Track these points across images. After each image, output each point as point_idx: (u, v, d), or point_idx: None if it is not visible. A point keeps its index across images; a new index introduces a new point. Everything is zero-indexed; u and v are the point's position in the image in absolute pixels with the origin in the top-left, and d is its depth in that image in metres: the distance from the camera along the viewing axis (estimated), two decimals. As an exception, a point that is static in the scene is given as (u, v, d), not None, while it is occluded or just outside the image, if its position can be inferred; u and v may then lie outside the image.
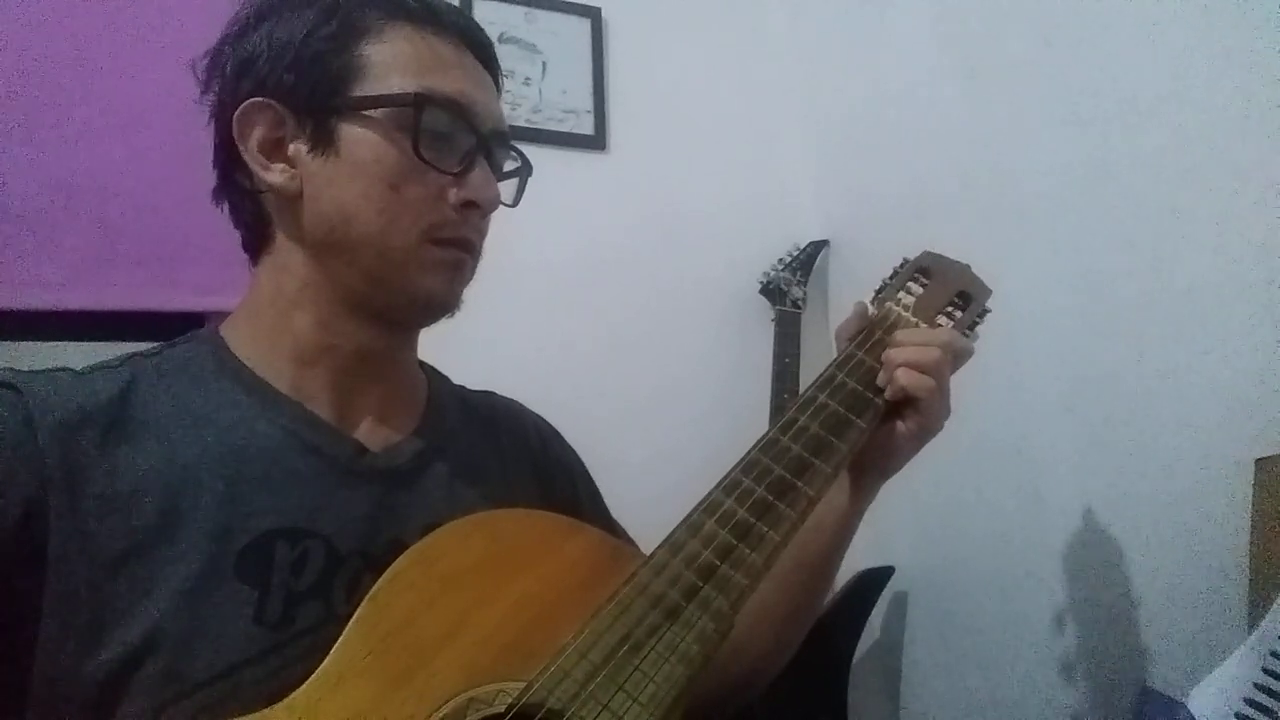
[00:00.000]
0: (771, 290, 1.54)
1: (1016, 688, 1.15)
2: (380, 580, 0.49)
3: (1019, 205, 1.16)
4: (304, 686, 0.45)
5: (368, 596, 0.49)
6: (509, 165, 0.65)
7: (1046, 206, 1.12)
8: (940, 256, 0.73)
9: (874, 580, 1.39)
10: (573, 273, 1.46)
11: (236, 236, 0.61)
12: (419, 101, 0.54)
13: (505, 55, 0.65)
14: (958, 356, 0.65)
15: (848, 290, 1.60)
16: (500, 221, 0.62)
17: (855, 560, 1.40)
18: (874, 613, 1.40)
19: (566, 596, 0.53)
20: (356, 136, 0.55)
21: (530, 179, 0.67)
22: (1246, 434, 0.86)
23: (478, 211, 0.58)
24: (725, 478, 0.57)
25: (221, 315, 0.60)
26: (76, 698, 0.44)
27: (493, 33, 0.64)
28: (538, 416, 0.75)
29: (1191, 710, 0.67)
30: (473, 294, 0.62)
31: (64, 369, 0.53)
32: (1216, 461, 0.89)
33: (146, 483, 0.49)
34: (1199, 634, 0.91)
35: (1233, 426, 0.88)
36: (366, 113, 0.54)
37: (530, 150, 0.68)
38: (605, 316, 1.49)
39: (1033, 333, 1.12)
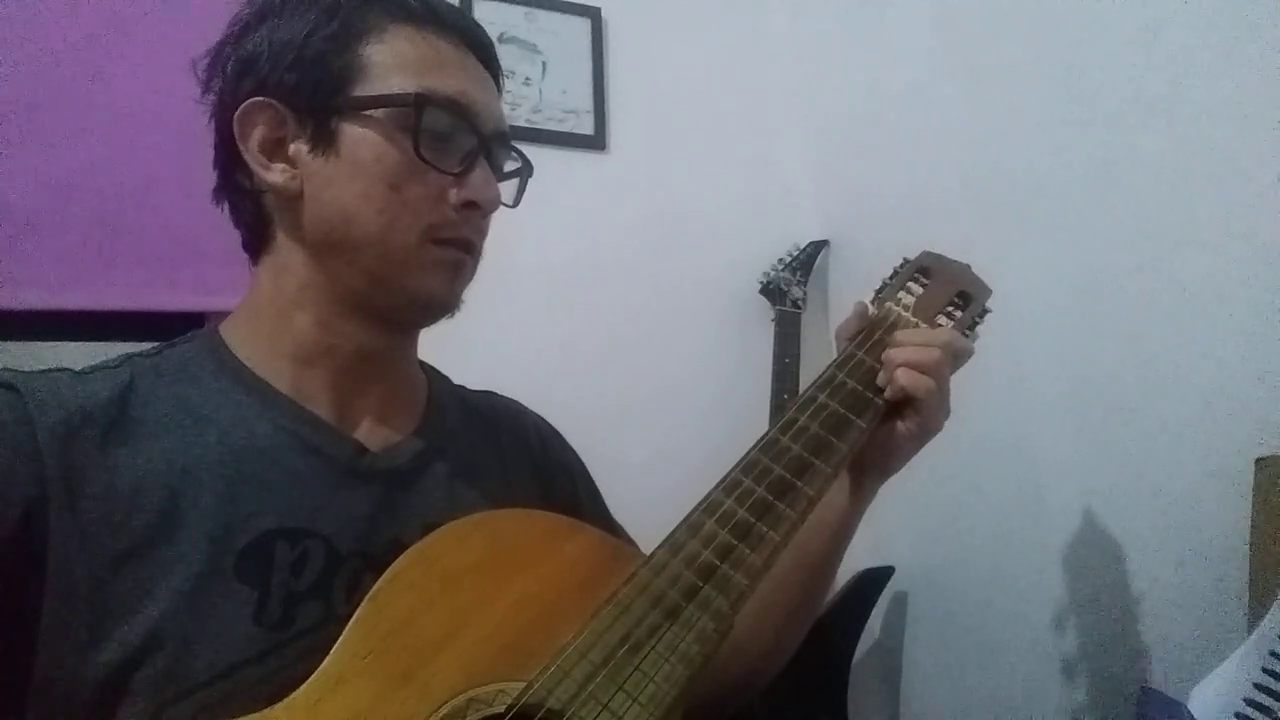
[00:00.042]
0: (771, 290, 1.54)
1: (1016, 688, 1.15)
2: (380, 580, 0.49)
3: (1019, 205, 1.16)
4: (304, 687, 0.45)
5: (368, 596, 0.49)
6: (509, 166, 0.65)
7: (1046, 206, 1.12)
8: (940, 256, 0.73)
9: (874, 580, 1.39)
10: (573, 273, 1.46)
11: (236, 236, 0.61)
12: (420, 102, 0.54)
13: (505, 55, 0.65)
14: (958, 356, 0.65)
15: (848, 290, 1.60)
16: (500, 222, 0.62)
17: (855, 560, 1.40)
18: (874, 613, 1.40)
19: (566, 596, 0.53)
20: (357, 136, 0.55)
21: (530, 179, 0.67)
22: (1246, 434, 0.86)
23: (478, 212, 0.58)
24: (725, 478, 0.57)
25: (221, 315, 0.60)
26: (76, 698, 0.44)
27: (493, 32, 0.64)
28: (538, 417, 0.75)
29: (1191, 710, 0.67)
30: (473, 294, 0.62)
31: (64, 369, 0.53)
32: (1216, 461, 0.89)
33: (146, 483, 0.49)
34: (1199, 634, 0.91)
35: (1233, 426, 0.88)
36: (367, 113, 0.54)
37: (530, 150, 0.68)
38: (605, 316, 1.49)
39: (1033, 333, 1.12)
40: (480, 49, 0.60)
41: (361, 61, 0.55)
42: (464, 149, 0.57)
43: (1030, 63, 1.15)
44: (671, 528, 0.55)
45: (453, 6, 0.60)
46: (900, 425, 0.63)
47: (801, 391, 0.63)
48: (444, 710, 0.45)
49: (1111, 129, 1.02)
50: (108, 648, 0.45)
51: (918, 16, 1.38)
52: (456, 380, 0.72)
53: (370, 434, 0.59)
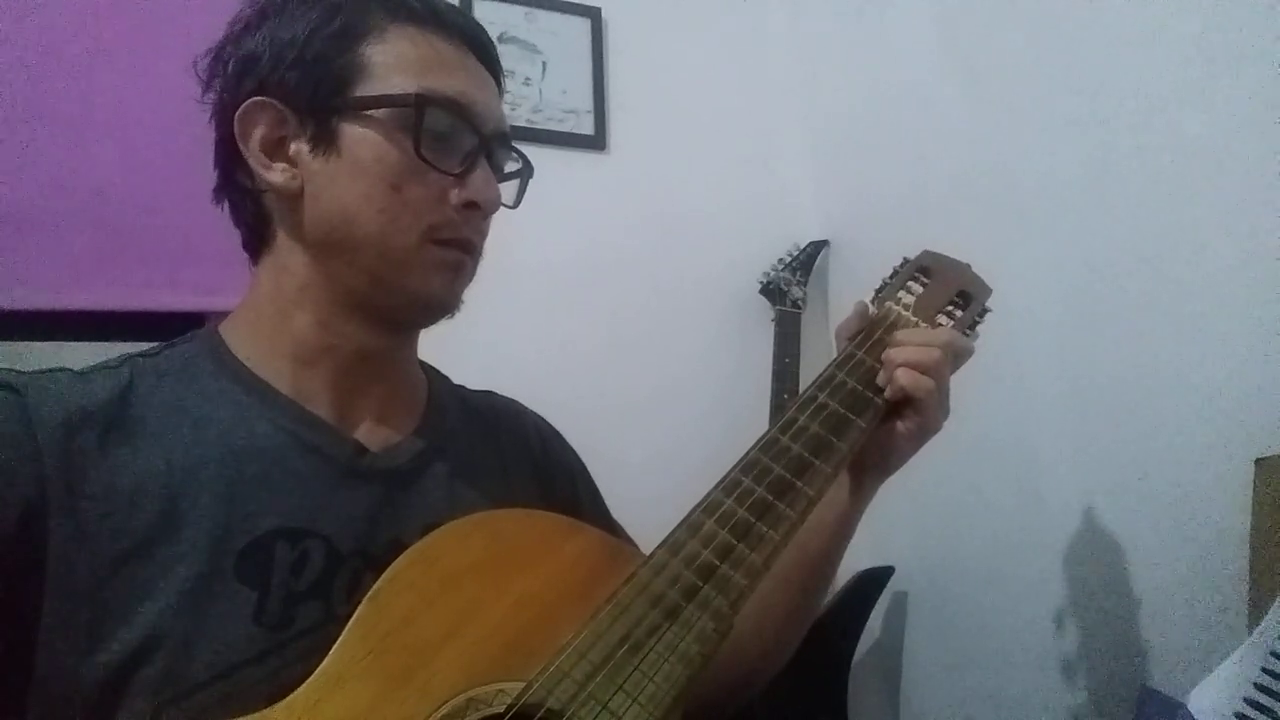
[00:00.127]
0: (771, 290, 1.54)
1: (1016, 688, 1.15)
2: (380, 580, 0.49)
3: (1019, 205, 1.16)
4: (303, 687, 0.45)
5: (367, 596, 0.49)
6: (510, 166, 0.65)
7: (1046, 206, 1.12)
8: (940, 256, 0.73)
9: (874, 580, 1.39)
10: (573, 273, 1.46)
11: (236, 236, 0.61)
12: (420, 102, 0.54)
13: (505, 55, 0.65)
14: (958, 356, 0.65)
15: (848, 290, 1.60)
16: (500, 222, 0.62)
17: (855, 560, 1.40)
18: (874, 613, 1.40)
19: (566, 596, 0.53)
20: (358, 136, 0.55)
21: (530, 179, 0.67)
22: (1246, 434, 0.86)
23: (479, 212, 0.58)
24: (725, 477, 0.57)
25: (221, 315, 0.60)
26: (76, 698, 0.44)
27: (493, 32, 0.64)
28: (538, 416, 0.75)
29: (1191, 710, 0.67)
30: (473, 294, 0.62)
31: (63, 369, 0.52)
32: (1216, 461, 0.89)
33: (146, 483, 0.49)
34: (1199, 634, 0.91)
35: (1233, 426, 0.88)
36: (368, 113, 0.54)
37: (530, 150, 0.68)
38: (605, 316, 1.49)
39: (1033, 333, 1.12)
40: (481, 49, 0.60)
41: (362, 61, 0.55)
42: (465, 149, 0.57)
43: (1030, 63, 1.15)
44: (671, 528, 0.54)
45: (453, 7, 0.60)
46: (900, 425, 0.63)
47: (801, 391, 0.63)
48: (444, 710, 0.45)
49: (1111, 129, 1.02)
50: (107, 648, 0.45)
51: (918, 16, 1.38)
52: (456, 380, 0.72)
53: (370, 434, 0.59)
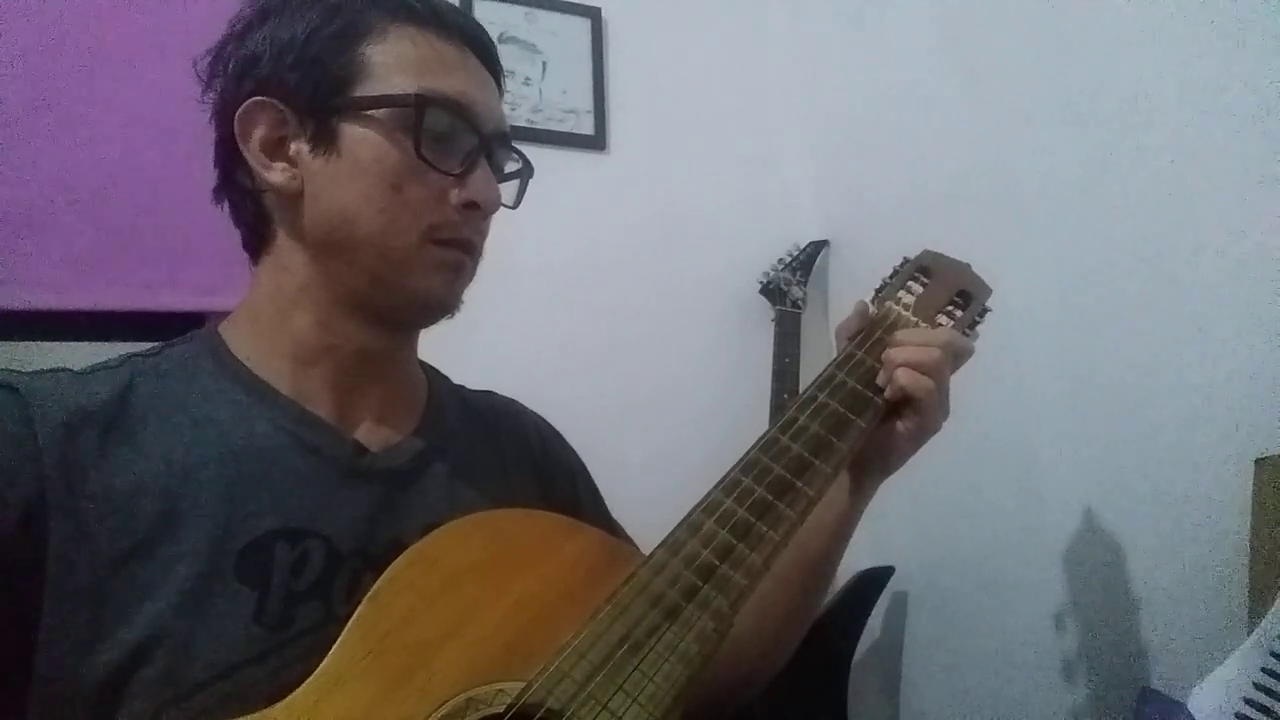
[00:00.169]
0: (771, 290, 1.54)
1: (1016, 688, 1.15)
2: (380, 580, 0.49)
3: (1019, 205, 1.16)
4: (303, 687, 0.45)
5: (367, 596, 0.49)
6: (510, 166, 0.65)
7: (1046, 206, 1.12)
8: (940, 256, 0.73)
9: (874, 580, 1.39)
10: (573, 273, 1.46)
11: (236, 236, 0.61)
12: (420, 102, 0.54)
13: (505, 55, 0.65)
14: (958, 356, 0.65)
15: (848, 290, 1.60)
16: (500, 222, 0.62)
17: (855, 560, 1.40)
18: (874, 613, 1.40)
19: (566, 596, 0.53)
20: (358, 136, 0.55)
21: (530, 179, 0.67)
22: (1246, 434, 0.86)
23: (479, 212, 0.58)
24: (725, 477, 0.57)
25: (221, 315, 0.60)
26: (76, 698, 0.44)
27: (493, 32, 0.64)
28: (538, 416, 0.75)
29: (1191, 710, 0.67)
30: (473, 294, 0.62)
31: (64, 369, 0.53)
32: (1216, 461, 0.89)
33: (146, 483, 0.49)
34: (1199, 634, 0.91)
35: (1233, 426, 0.88)
36: (368, 113, 0.54)
37: (530, 150, 0.68)
38: (605, 316, 1.49)
39: (1033, 333, 1.12)
40: (481, 49, 0.60)
41: (363, 61, 0.55)
42: (465, 149, 0.57)
43: (1030, 63, 1.15)
44: (671, 528, 0.54)
45: (454, 7, 0.60)
46: (900, 425, 0.63)
47: (801, 391, 0.63)
48: (443, 710, 0.45)
49: (1111, 129, 1.02)
50: (107, 648, 0.45)
51: (918, 16, 1.38)
52: (456, 380, 0.72)
53: (370, 434, 0.59)
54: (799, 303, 1.52)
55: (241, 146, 0.55)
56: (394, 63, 0.55)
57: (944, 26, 1.33)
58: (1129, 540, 1.00)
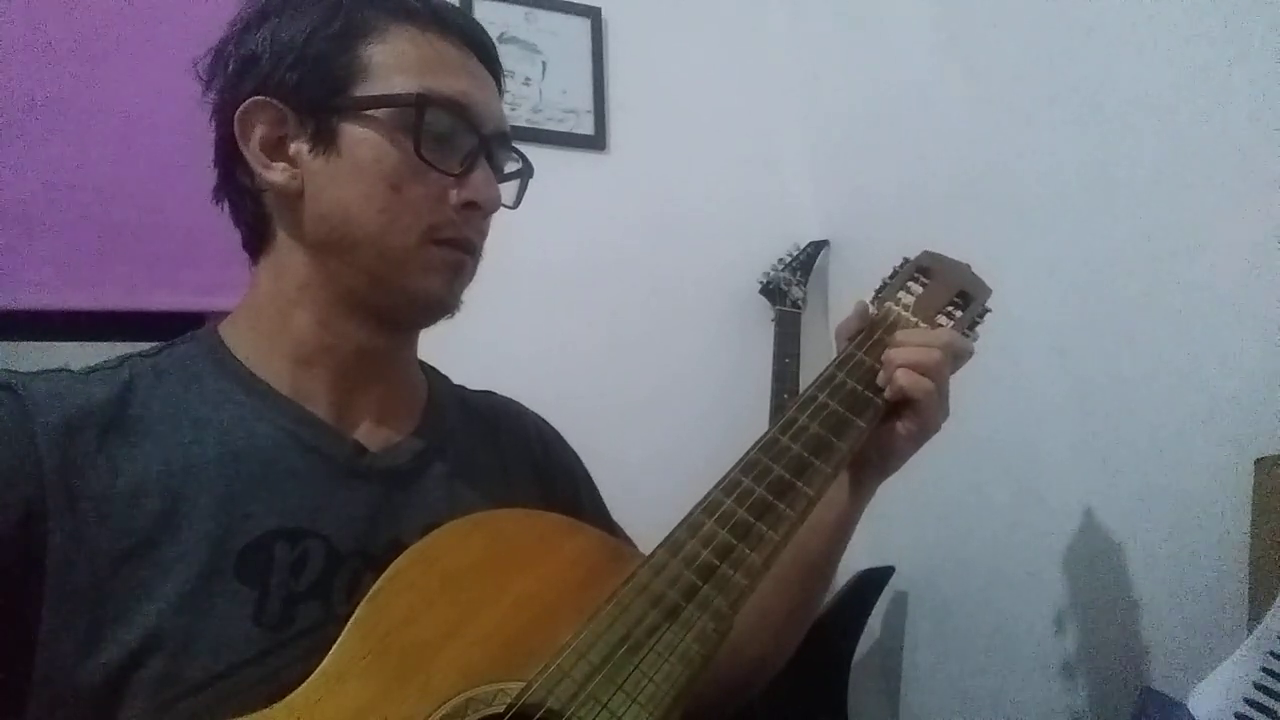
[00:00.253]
0: (771, 290, 1.54)
1: (1016, 688, 1.15)
2: (380, 580, 0.49)
3: (1019, 205, 1.16)
4: (303, 687, 0.45)
5: (367, 596, 0.49)
6: (510, 166, 0.65)
7: (1046, 206, 1.12)
8: (940, 256, 0.73)
9: (874, 580, 1.39)
10: (573, 273, 1.46)
11: (236, 236, 0.61)
12: (421, 102, 0.54)
13: (505, 55, 0.65)
14: (958, 357, 0.65)
15: (848, 290, 1.60)
16: (500, 222, 0.62)
17: (855, 560, 1.40)
18: (874, 613, 1.40)
19: (566, 596, 0.53)
20: (358, 136, 0.55)
21: (530, 180, 0.67)
22: (1246, 434, 0.86)
23: (479, 212, 0.58)
24: (725, 478, 0.57)
25: (221, 315, 0.60)
26: (76, 699, 0.44)
27: (493, 32, 0.64)
28: (538, 417, 0.75)
29: (1191, 710, 0.67)
30: (473, 294, 0.62)
31: (63, 369, 0.53)
32: (1216, 461, 0.89)
33: (145, 483, 0.49)
34: (1199, 634, 0.91)
35: (1233, 426, 0.88)
36: (368, 113, 0.54)
37: (530, 150, 0.68)
38: (605, 316, 1.49)
39: (1033, 333, 1.12)
40: (481, 49, 0.60)
41: (363, 61, 0.55)
42: (465, 149, 0.57)
43: (1030, 63, 1.15)
44: (671, 528, 0.54)
45: (454, 7, 0.60)
46: (899, 425, 0.63)
47: (801, 391, 0.63)
48: (443, 710, 0.45)
49: (1111, 129, 1.02)
50: (107, 648, 0.45)
51: (918, 16, 1.38)
52: (456, 380, 0.72)
53: (370, 434, 0.59)
54: (799, 303, 1.52)
55: (241, 146, 0.55)
56: (394, 63, 0.55)
57: (944, 26, 1.33)
58: (1129, 540, 1.00)
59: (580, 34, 1.54)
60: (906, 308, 0.69)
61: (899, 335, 0.65)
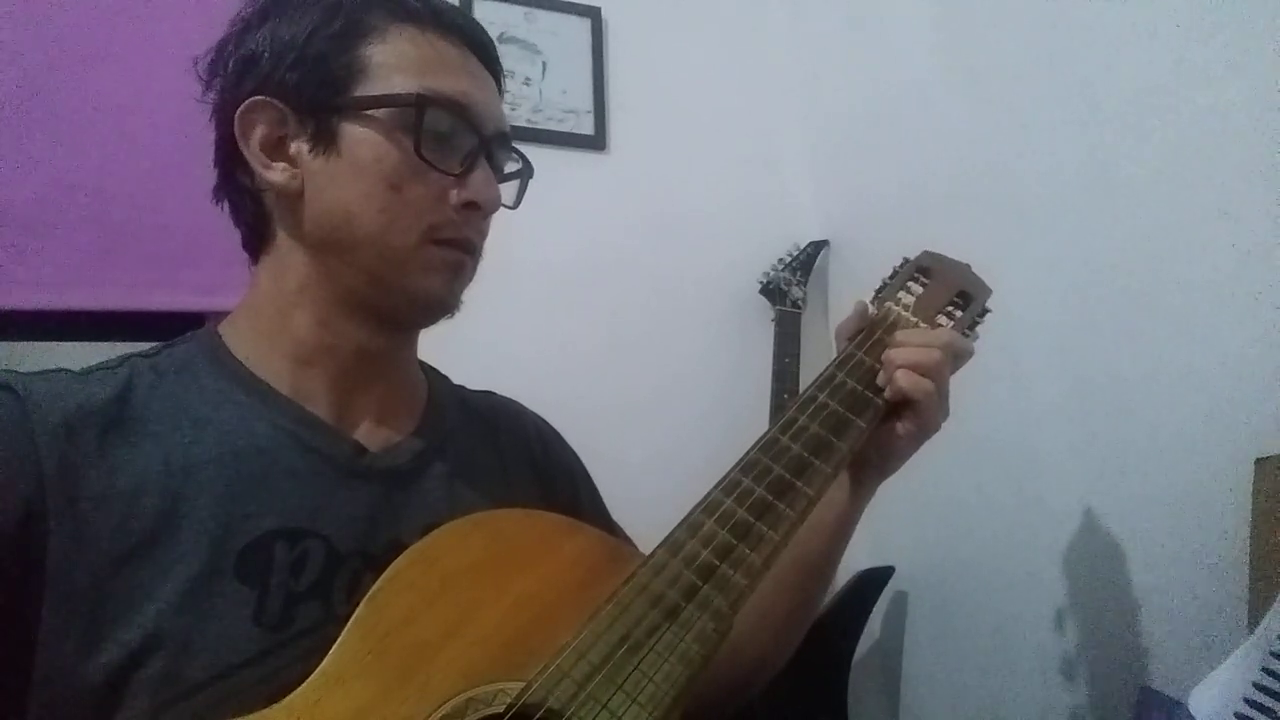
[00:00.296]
0: (771, 290, 1.54)
1: (1016, 688, 1.15)
2: (380, 580, 0.49)
3: (1019, 205, 1.16)
4: (303, 687, 0.45)
5: (367, 596, 0.49)
6: (510, 167, 0.65)
7: (1046, 206, 1.12)
8: (940, 256, 0.73)
9: (874, 580, 1.39)
10: (573, 273, 1.46)
11: (236, 236, 0.61)
12: (421, 102, 0.54)
13: (505, 55, 0.65)
14: (958, 357, 0.65)
15: (848, 290, 1.60)
16: (500, 222, 0.62)
17: (855, 560, 1.40)
18: (874, 613, 1.40)
19: (566, 596, 0.53)
20: (358, 136, 0.55)
21: (530, 180, 0.67)
22: (1246, 434, 0.86)
23: (479, 212, 0.58)
24: (725, 477, 0.57)
25: (221, 315, 0.60)
26: (76, 699, 0.44)
27: (493, 32, 0.64)
28: (537, 417, 0.75)
29: (1191, 710, 0.67)
30: (473, 294, 0.62)
31: (62, 370, 0.52)
32: (1216, 461, 0.89)
33: (145, 483, 0.49)
34: (1199, 634, 0.91)
35: (1233, 426, 0.88)
36: (368, 113, 0.54)
37: (530, 150, 0.68)
38: (605, 316, 1.49)
39: (1033, 333, 1.12)
40: (481, 49, 0.60)
41: (363, 61, 0.55)
42: (465, 149, 0.57)
43: (1030, 62, 1.15)
44: (671, 528, 0.54)
45: (454, 7, 0.60)
46: (899, 426, 0.63)
47: (801, 391, 0.63)
48: (443, 710, 0.45)
49: (1111, 129, 1.02)
50: (107, 648, 0.45)
51: (918, 16, 1.38)
52: (456, 380, 0.72)
53: (370, 434, 0.59)
54: (799, 303, 1.52)
55: (241, 146, 0.55)
56: (394, 63, 0.55)
57: (944, 27, 1.33)
58: (1129, 540, 1.00)
59: (580, 34, 1.54)
60: (906, 308, 0.69)
61: (899, 335, 0.65)
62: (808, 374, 1.39)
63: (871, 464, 0.65)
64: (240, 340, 0.58)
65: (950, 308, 0.70)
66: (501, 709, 0.46)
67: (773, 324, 1.52)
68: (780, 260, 1.57)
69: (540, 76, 1.50)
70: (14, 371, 0.50)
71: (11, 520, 0.45)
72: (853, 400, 0.61)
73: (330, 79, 0.55)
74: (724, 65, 1.67)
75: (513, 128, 0.64)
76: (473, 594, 0.51)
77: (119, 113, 1.14)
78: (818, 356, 1.52)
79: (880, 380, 0.63)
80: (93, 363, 0.55)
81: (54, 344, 1.12)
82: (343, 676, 0.45)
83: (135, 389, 0.52)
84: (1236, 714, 0.64)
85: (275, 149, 0.56)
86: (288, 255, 0.57)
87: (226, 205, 0.60)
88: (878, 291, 0.72)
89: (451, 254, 0.58)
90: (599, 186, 1.52)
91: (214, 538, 0.49)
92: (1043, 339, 1.12)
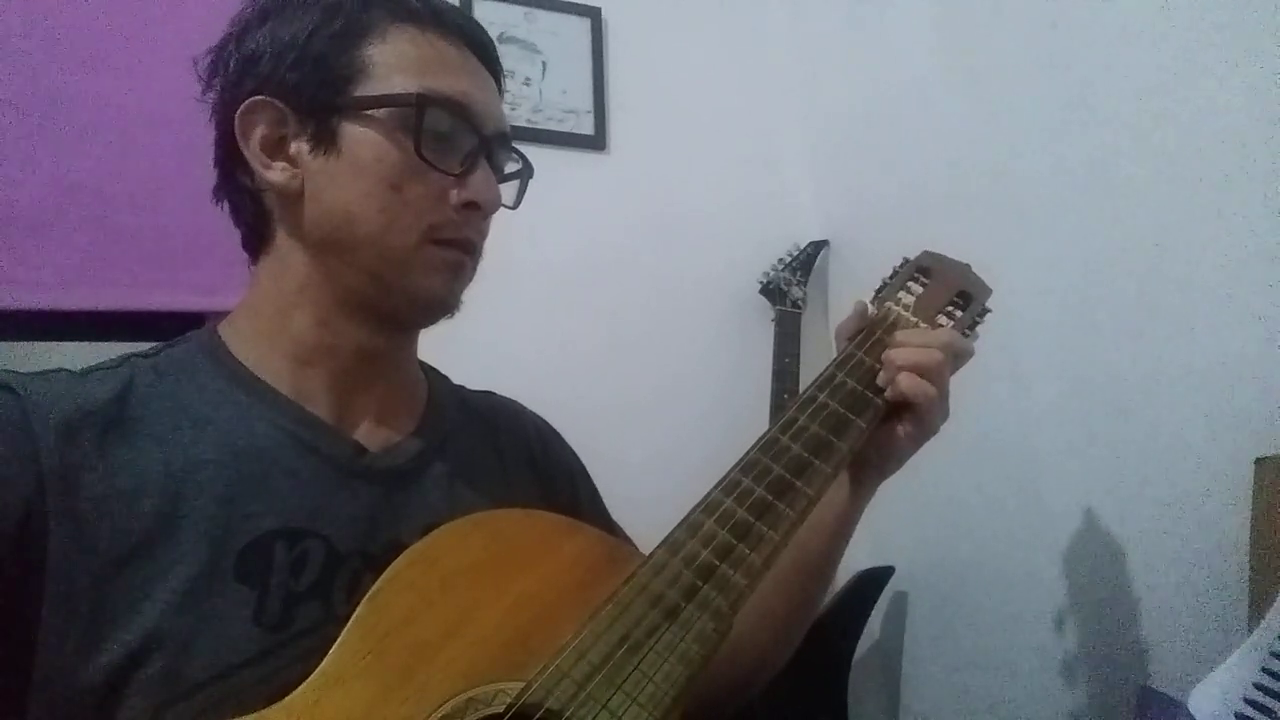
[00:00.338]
0: (771, 290, 1.54)
1: (1016, 688, 1.15)
2: (379, 580, 0.49)
3: (1019, 205, 1.16)
4: (302, 687, 0.45)
5: (367, 596, 0.48)
6: (510, 167, 0.65)
7: (1046, 206, 1.12)
8: (940, 256, 0.73)
9: (874, 580, 1.39)
10: (573, 273, 1.46)
11: (236, 236, 0.61)
12: (421, 102, 0.54)
13: (505, 55, 0.65)
14: (958, 357, 0.65)
15: (848, 290, 1.60)
16: (500, 222, 0.62)
17: (855, 560, 1.40)
18: (874, 613, 1.40)
19: (566, 596, 0.53)
20: (358, 136, 0.55)
21: (530, 180, 0.67)
22: (1246, 434, 0.86)
23: (479, 212, 0.58)
24: (725, 477, 0.57)
25: (221, 315, 0.60)
26: (76, 699, 0.44)
27: (493, 32, 0.64)
28: (537, 417, 0.75)
29: (1191, 710, 0.67)
30: (473, 294, 0.62)
31: (62, 370, 0.52)
32: (1216, 461, 0.89)
33: (145, 484, 0.49)
34: (1199, 634, 0.91)
35: (1233, 426, 0.88)
36: (368, 112, 0.54)
37: (530, 150, 0.68)
38: (605, 316, 1.49)
39: (1033, 333, 1.12)
40: (482, 49, 0.60)
41: (363, 61, 0.55)
42: (465, 149, 0.57)
43: (1030, 63, 1.15)
44: (671, 528, 0.54)
45: (454, 7, 0.60)
46: (899, 426, 0.63)
47: (801, 391, 0.63)
48: (443, 710, 0.45)
49: (1111, 129, 1.02)
50: (107, 649, 0.45)
51: (918, 16, 1.38)
52: (456, 380, 0.72)
53: (369, 434, 0.59)
54: (799, 303, 1.53)
55: (241, 146, 0.55)
56: (395, 62, 0.55)
57: (944, 26, 1.33)
58: (1129, 540, 1.00)
59: (580, 34, 1.54)
60: (906, 308, 0.69)
61: (899, 335, 0.65)
62: (808, 374, 1.39)
63: (871, 464, 0.65)
64: (240, 340, 0.58)
65: (950, 308, 0.70)
66: (501, 709, 0.46)
67: (773, 324, 1.52)
68: (780, 260, 1.57)
69: (540, 76, 1.50)
70: (14, 371, 0.50)
71: (11, 521, 0.45)
72: (853, 400, 0.61)
73: (330, 79, 0.55)
74: (724, 65, 1.67)
75: (513, 128, 0.64)
76: (472, 594, 0.51)
77: (119, 113, 1.14)
78: (818, 356, 1.52)
79: (880, 380, 0.63)
80: (93, 363, 0.54)
81: (54, 344, 1.12)
82: (342, 676, 0.45)
83: (135, 389, 0.52)
84: (1236, 714, 0.64)
85: (275, 149, 0.56)
86: (288, 255, 0.57)
87: (226, 205, 0.60)
88: (878, 291, 0.72)
89: (451, 254, 0.58)
90: (599, 186, 1.52)
91: (214, 538, 0.49)
92: (1043, 339, 1.12)
